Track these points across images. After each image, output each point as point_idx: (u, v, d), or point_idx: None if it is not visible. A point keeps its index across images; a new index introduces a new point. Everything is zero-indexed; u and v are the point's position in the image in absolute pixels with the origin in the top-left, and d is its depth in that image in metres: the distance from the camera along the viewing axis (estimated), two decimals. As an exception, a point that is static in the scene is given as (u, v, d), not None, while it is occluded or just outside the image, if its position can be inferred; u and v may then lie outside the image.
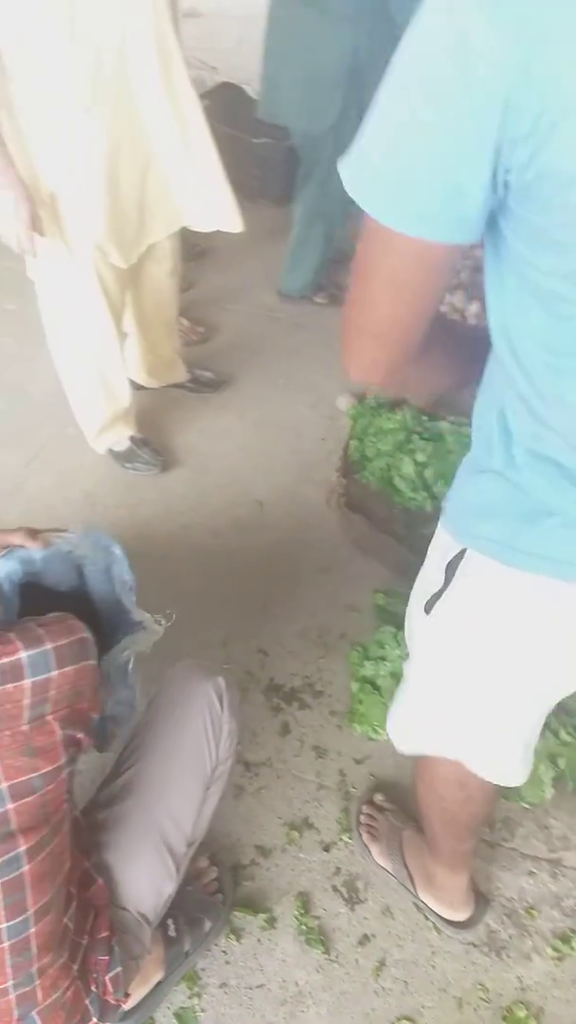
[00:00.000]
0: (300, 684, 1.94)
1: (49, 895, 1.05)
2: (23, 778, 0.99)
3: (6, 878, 1.01)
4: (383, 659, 1.82)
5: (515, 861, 1.67)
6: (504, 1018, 1.46)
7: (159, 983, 1.41)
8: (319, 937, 1.54)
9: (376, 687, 1.82)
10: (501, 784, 1.25)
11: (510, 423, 0.88)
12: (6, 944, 1.03)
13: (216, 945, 1.52)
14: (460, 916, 1.56)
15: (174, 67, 1.90)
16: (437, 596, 1.06)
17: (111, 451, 2.48)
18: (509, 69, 0.58)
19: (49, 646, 1.00)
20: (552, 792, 1.69)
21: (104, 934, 1.18)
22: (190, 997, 1.46)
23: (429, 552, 1.09)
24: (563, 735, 1.68)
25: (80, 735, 1.04)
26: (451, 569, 1.01)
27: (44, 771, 1.01)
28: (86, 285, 2.07)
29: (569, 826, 1.72)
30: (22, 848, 1.01)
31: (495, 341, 0.84)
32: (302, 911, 1.57)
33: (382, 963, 1.52)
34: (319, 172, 2.82)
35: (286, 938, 1.54)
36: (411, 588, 1.93)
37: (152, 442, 2.51)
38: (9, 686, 0.97)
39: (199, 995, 1.47)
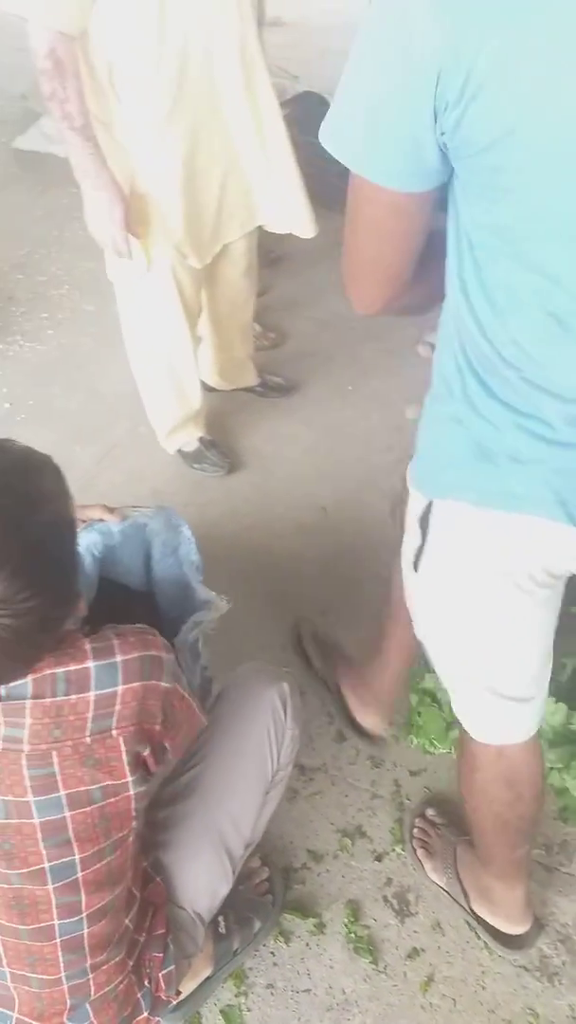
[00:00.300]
0: (358, 692, 1.94)
1: (106, 900, 1.07)
2: (82, 788, 1.00)
3: (61, 882, 1.03)
4: (444, 672, 1.80)
5: (572, 886, 1.63)
6: (554, 1046, 1.43)
7: (207, 979, 1.42)
8: (368, 947, 1.53)
9: (435, 700, 1.80)
10: (508, 742, 1.25)
11: (463, 366, 0.96)
12: (58, 941, 1.05)
13: (264, 946, 1.52)
14: (517, 929, 1.52)
15: (256, 73, 1.93)
16: (420, 552, 1.13)
17: (180, 451, 2.52)
18: (442, 50, 0.72)
19: (119, 659, 1.00)
20: (613, 819, 1.65)
21: (160, 931, 1.20)
22: (236, 995, 1.47)
23: (407, 517, 1.16)
24: (627, 761, 1.64)
25: (147, 753, 1.03)
26: (424, 523, 1.10)
27: (105, 784, 1.01)
28: (163, 287, 2.12)
29: (629, 855, 1.67)
30: (76, 856, 1.02)
31: (449, 286, 0.95)
32: (352, 919, 1.56)
33: (430, 978, 1.50)
34: None
35: (334, 945, 1.54)
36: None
37: (220, 444, 2.55)
38: (73, 697, 0.98)
39: (246, 994, 1.47)
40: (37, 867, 1.01)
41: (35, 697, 0.97)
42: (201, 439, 2.50)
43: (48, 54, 1.70)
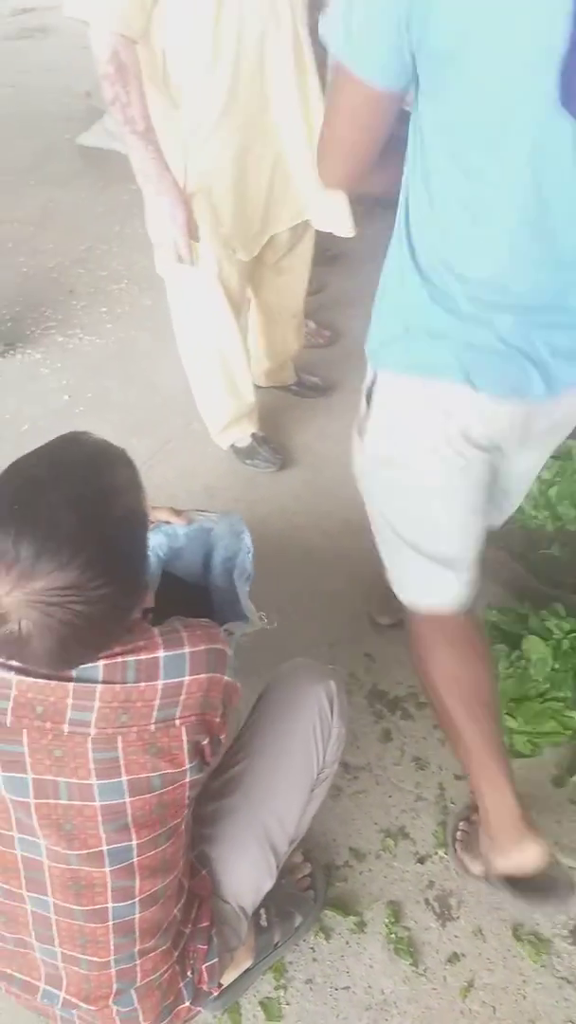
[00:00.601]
0: (405, 693, 1.93)
1: (159, 886, 1.09)
2: (144, 775, 1.02)
3: (117, 866, 1.05)
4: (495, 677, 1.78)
5: (617, 900, 1.60)
6: (595, 1061, 1.41)
7: (247, 969, 1.43)
8: (408, 948, 1.52)
9: (483, 704, 1.78)
10: (437, 604, 1.43)
11: (405, 252, 1.17)
12: (111, 923, 1.07)
13: (305, 941, 1.53)
14: (526, 860, 1.41)
15: (307, 69, 1.95)
16: (364, 418, 1.34)
17: (233, 447, 2.54)
18: None
19: (187, 650, 1.03)
20: None
21: (205, 924, 1.22)
22: (276, 988, 1.48)
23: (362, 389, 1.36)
24: None
25: (205, 743, 1.05)
26: (369, 393, 1.33)
27: (165, 772, 1.03)
28: (208, 280, 2.13)
29: None
30: (134, 842, 1.04)
31: (404, 181, 1.15)
32: (392, 920, 1.56)
33: (471, 984, 1.49)
34: None
35: (375, 944, 1.54)
36: (526, 608, 1.89)
37: (272, 441, 2.56)
38: (142, 684, 1.00)
39: (285, 987, 1.48)
40: (96, 849, 1.03)
41: (105, 682, 0.99)
42: (254, 435, 2.52)
43: (110, 58, 1.72)
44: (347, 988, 1.49)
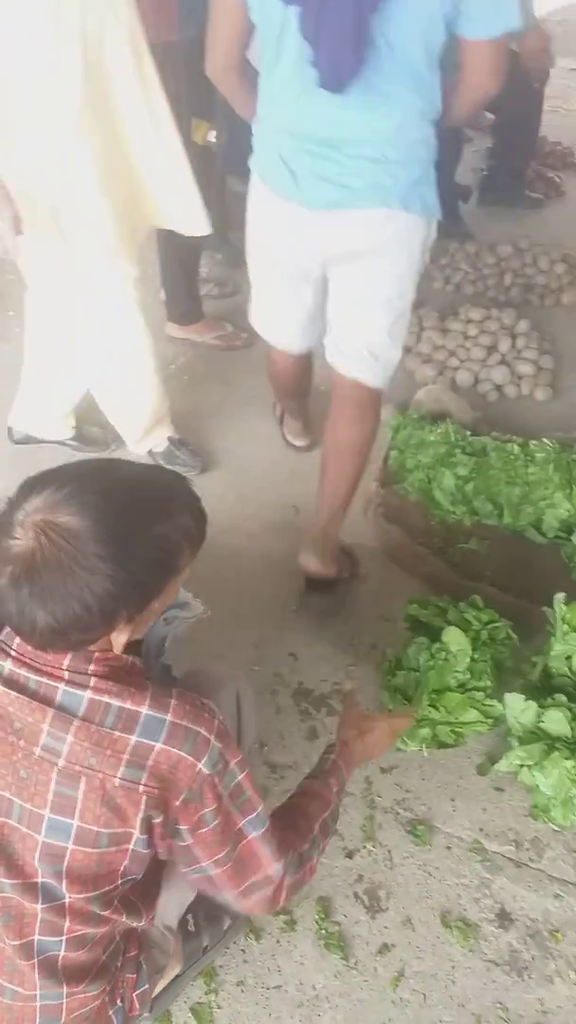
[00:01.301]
0: (330, 690, 1.94)
1: (88, 931, 1.07)
2: (94, 828, 1.00)
3: (49, 904, 1.03)
4: (415, 670, 1.81)
5: (542, 882, 1.64)
6: (523, 1040, 1.44)
7: (176, 976, 1.41)
8: (338, 943, 1.53)
9: (407, 698, 1.81)
10: (279, 347, 2.19)
11: (263, 101, 1.76)
12: (36, 960, 1.05)
13: (235, 943, 1.51)
14: (300, 441, 2.53)
15: (148, 75, 1.97)
16: (247, 223, 1.94)
17: (151, 452, 2.50)
18: None
19: (168, 718, 1.00)
20: (582, 815, 1.66)
21: (133, 953, 1.20)
22: (207, 993, 1.46)
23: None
24: (595, 757, 1.65)
25: (158, 821, 1.01)
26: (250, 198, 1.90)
27: (115, 830, 1.00)
28: (112, 291, 2.13)
29: (598, 851, 1.69)
30: (64, 891, 1.03)
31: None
32: (322, 916, 1.56)
33: (401, 974, 1.50)
34: None
35: (305, 941, 1.53)
36: (446, 601, 1.93)
37: (190, 443, 2.54)
38: (116, 733, 0.99)
39: (216, 991, 1.46)
40: (31, 880, 1.02)
41: (84, 719, 0.98)
42: (170, 438, 2.49)
43: None
44: (279, 987, 1.48)
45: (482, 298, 3.26)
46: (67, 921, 1.04)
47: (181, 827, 1.04)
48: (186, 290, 2.81)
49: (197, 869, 1.09)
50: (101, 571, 0.92)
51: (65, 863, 1.01)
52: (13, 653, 1.02)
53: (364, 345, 1.90)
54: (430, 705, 1.75)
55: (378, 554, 2.30)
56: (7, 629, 1.03)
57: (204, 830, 1.04)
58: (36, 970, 1.05)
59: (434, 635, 1.86)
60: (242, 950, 1.51)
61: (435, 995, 1.48)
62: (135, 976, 1.20)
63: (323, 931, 1.54)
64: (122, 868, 1.04)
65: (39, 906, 1.02)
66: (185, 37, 2.38)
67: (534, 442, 2.40)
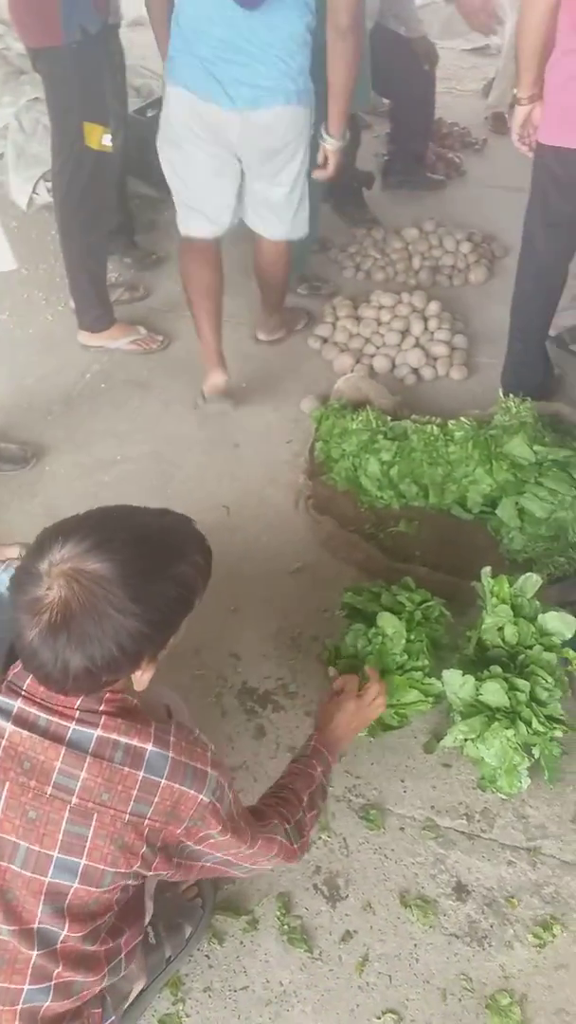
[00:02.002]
0: (274, 686, 1.94)
1: (77, 980, 1.10)
2: (100, 866, 1.04)
3: (44, 949, 1.06)
4: (354, 657, 1.83)
5: (494, 852, 1.68)
6: (487, 1007, 1.47)
7: (142, 991, 1.39)
8: (301, 936, 1.54)
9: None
10: (196, 236, 2.51)
11: (177, 26, 2.19)
12: (18, 1008, 1.07)
13: (199, 950, 1.51)
14: (216, 380, 2.66)
15: None
16: (164, 124, 2.38)
17: None
18: None
19: (170, 754, 1.06)
20: (528, 782, 1.70)
21: (98, 988, 1.19)
22: (174, 1003, 1.46)
23: None
24: (535, 724, 1.69)
25: (157, 860, 1.07)
26: (165, 102, 2.34)
27: (118, 870, 1.05)
28: None
29: (546, 815, 1.74)
30: (63, 928, 1.06)
31: None
32: (283, 911, 1.57)
33: (365, 958, 1.52)
34: None
35: (268, 939, 1.54)
36: (379, 586, 1.95)
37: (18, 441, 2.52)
38: (126, 769, 1.03)
39: (183, 1000, 1.46)
40: (28, 927, 1.04)
41: (95, 755, 1.03)
42: None
43: None
44: (246, 988, 1.48)
45: (393, 283, 3.30)
46: (59, 966, 1.07)
47: (187, 843, 1.10)
48: (95, 296, 2.77)
49: (211, 858, 1.16)
50: (133, 612, 0.98)
51: (67, 901, 1.05)
52: (23, 693, 1.06)
53: (276, 211, 2.49)
54: (372, 690, 1.77)
55: (312, 546, 2.31)
56: (16, 670, 1.07)
57: (213, 841, 1.12)
58: (17, 1017, 1.08)
59: (371, 621, 1.88)
60: (206, 956, 1.51)
61: (400, 975, 1.51)
62: (100, 1011, 1.20)
63: (285, 926, 1.55)
64: (115, 901, 1.11)
65: (34, 952, 1.05)
66: (69, 41, 2.33)
67: (452, 421, 2.44)
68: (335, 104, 2.33)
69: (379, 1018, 1.46)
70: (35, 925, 1.04)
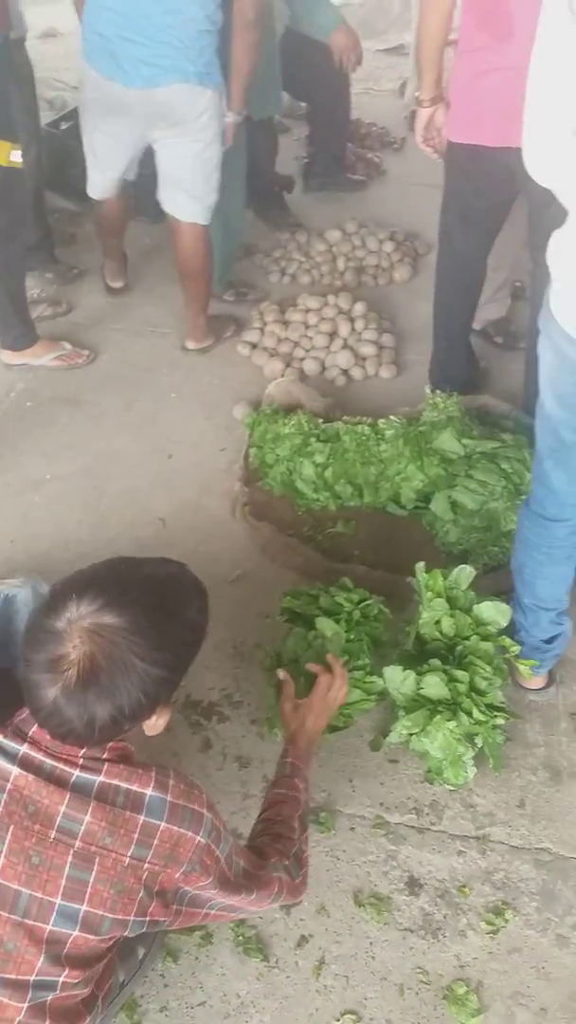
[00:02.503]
0: (218, 697, 1.94)
1: None
2: (99, 912, 1.06)
3: (35, 1002, 1.06)
4: (295, 661, 1.83)
5: (444, 843, 1.70)
6: (445, 997, 1.49)
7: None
8: (257, 946, 1.53)
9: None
10: (113, 196, 2.86)
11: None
12: None
13: (153, 970, 1.49)
14: (116, 283, 3.20)
15: None
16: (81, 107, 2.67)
17: None
18: None
19: (168, 798, 1.09)
20: (474, 771, 1.73)
21: None
22: (131, 1028, 1.44)
23: None
24: (476, 714, 1.72)
25: (153, 906, 1.08)
26: (81, 86, 2.63)
27: (116, 917, 1.07)
28: None
29: (493, 802, 1.76)
30: (61, 979, 1.06)
31: None
32: (238, 922, 1.56)
33: (321, 962, 1.53)
34: None
35: (223, 952, 1.53)
36: (317, 588, 1.95)
37: None
38: (127, 813, 1.07)
39: (139, 1022, 1.44)
40: (24, 978, 1.04)
41: (98, 799, 1.06)
42: None
43: None
44: (203, 1003, 1.47)
45: (319, 285, 3.31)
46: (46, 1020, 1.08)
47: (186, 888, 1.12)
48: (15, 314, 2.72)
49: (215, 904, 1.18)
50: (155, 660, 1.03)
51: (66, 949, 1.06)
52: (29, 738, 1.08)
53: (184, 190, 2.60)
54: (315, 694, 1.77)
55: (251, 552, 2.31)
56: (22, 716, 1.10)
57: (213, 891, 1.14)
58: None
59: (311, 624, 1.89)
60: (161, 975, 1.50)
61: (357, 975, 1.52)
62: None
63: (240, 937, 1.54)
64: (107, 950, 1.13)
65: (24, 1005, 1.06)
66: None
67: (383, 420, 2.46)
68: (235, 84, 2.53)
69: (338, 1020, 1.46)
70: (32, 977, 1.05)
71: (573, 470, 1.54)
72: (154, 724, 1.14)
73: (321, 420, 2.55)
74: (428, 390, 2.60)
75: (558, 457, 1.54)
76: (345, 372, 2.88)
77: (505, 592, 1.92)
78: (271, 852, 1.30)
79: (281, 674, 1.72)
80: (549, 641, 1.82)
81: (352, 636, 1.84)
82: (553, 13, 1.14)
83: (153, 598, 1.08)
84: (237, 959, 1.52)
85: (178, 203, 2.63)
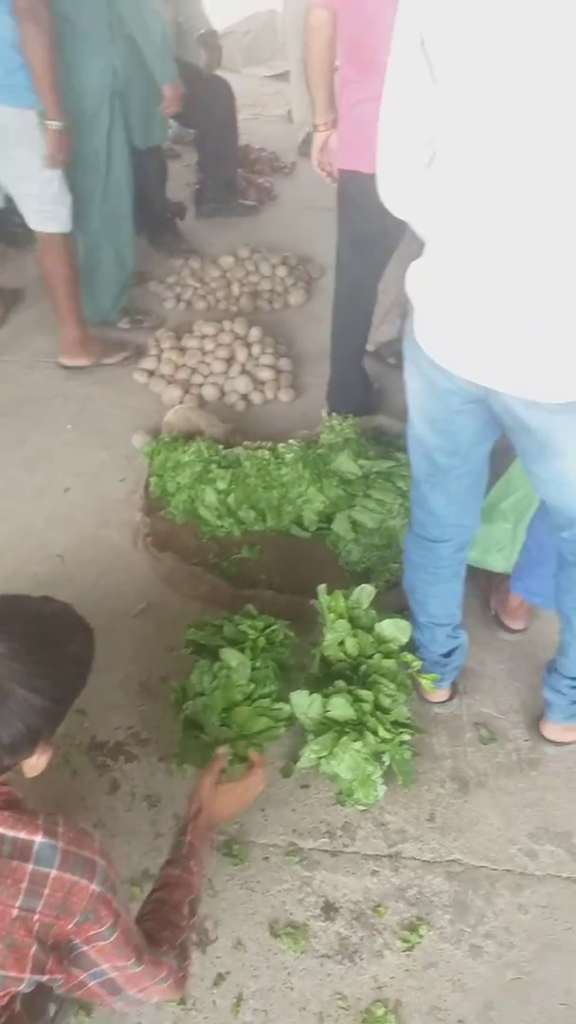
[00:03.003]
0: (125, 736, 1.90)
1: None
2: None
3: None
4: (201, 694, 1.81)
5: (358, 864, 1.71)
6: (364, 1021, 1.49)
7: None
8: (172, 990, 1.50)
9: (198, 724, 1.81)
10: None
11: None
12: None
13: (65, 1026, 1.45)
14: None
15: None
16: None
17: None
18: None
19: (60, 845, 1.05)
20: (384, 789, 1.75)
21: None
22: None
23: None
24: (382, 732, 1.74)
25: (50, 962, 1.04)
26: None
27: (6, 974, 1.01)
28: None
29: (404, 819, 1.78)
30: None
31: None
32: (152, 968, 1.53)
33: (240, 998, 1.51)
34: (94, 193, 2.82)
35: (138, 1001, 1.49)
36: (221, 618, 1.94)
37: None
38: (14, 862, 1.02)
39: None
40: None
41: None
42: None
43: None
44: (119, 1057, 1.43)
45: (215, 311, 3.33)
46: None
47: (75, 941, 1.08)
48: None
49: (96, 974, 1.12)
50: (36, 687, 1.04)
51: None
52: None
53: (28, 203, 2.68)
54: (222, 725, 1.76)
55: (155, 584, 2.28)
56: None
57: (102, 943, 1.09)
58: None
59: (215, 655, 1.88)
60: (74, 1031, 1.45)
61: (276, 1007, 1.50)
62: None
63: (156, 983, 1.51)
64: (5, 1004, 1.09)
65: None
66: None
67: (282, 444, 2.48)
68: (39, 87, 2.43)
69: (259, 1057, 1.45)
70: None
71: (450, 492, 1.59)
72: (35, 763, 1.12)
73: (221, 446, 2.55)
74: (325, 413, 2.64)
75: (434, 481, 1.59)
76: (244, 397, 2.90)
77: (407, 608, 1.96)
78: (160, 939, 1.24)
79: (221, 750, 1.65)
80: (448, 655, 1.87)
81: (258, 664, 1.83)
82: (403, 46, 1.17)
83: (34, 629, 1.11)
84: (153, 1006, 1.48)
85: (28, 214, 2.72)
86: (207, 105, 3.69)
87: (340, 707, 1.76)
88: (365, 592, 1.91)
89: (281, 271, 3.47)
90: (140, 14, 2.66)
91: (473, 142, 1.13)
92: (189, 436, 2.61)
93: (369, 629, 1.88)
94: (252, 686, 1.81)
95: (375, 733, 1.75)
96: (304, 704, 1.78)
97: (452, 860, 1.71)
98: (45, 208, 2.67)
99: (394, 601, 2.09)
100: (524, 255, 1.16)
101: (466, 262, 1.23)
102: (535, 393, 1.27)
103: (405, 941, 1.60)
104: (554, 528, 1.58)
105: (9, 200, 2.74)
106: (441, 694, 1.95)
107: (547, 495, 1.50)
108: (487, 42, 1.03)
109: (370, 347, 2.93)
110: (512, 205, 1.13)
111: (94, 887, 1.06)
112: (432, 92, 1.16)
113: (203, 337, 3.05)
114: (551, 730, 1.86)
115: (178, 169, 4.12)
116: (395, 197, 1.34)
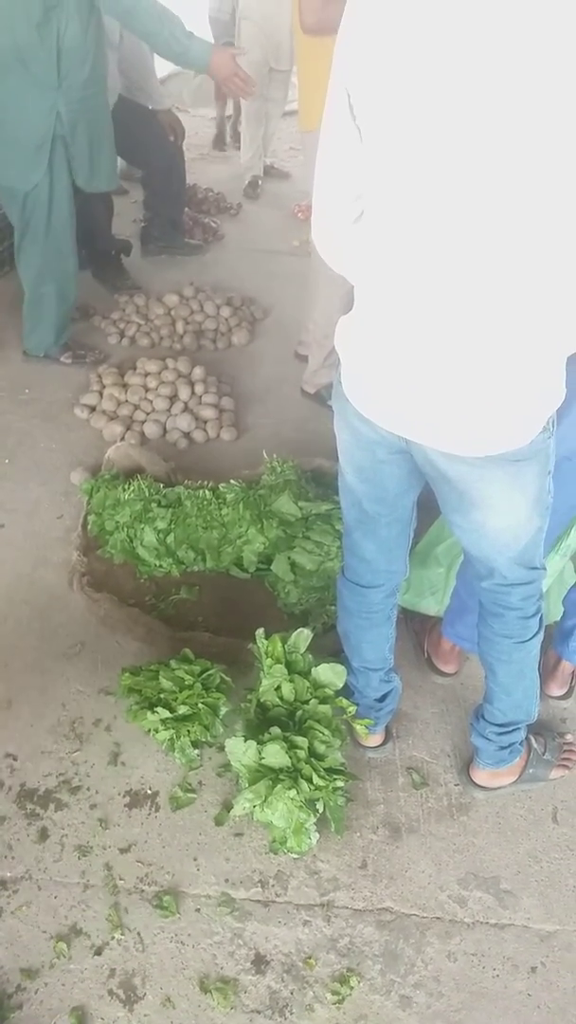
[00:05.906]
0: (55, 784, 1.85)
1: None
2: None
3: None
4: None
5: (289, 914, 1.69)
6: (293, 1077, 1.48)
7: None
8: (97, 1052, 1.46)
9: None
10: None
11: None
12: None
13: None
14: None
15: None
16: None
17: None
18: None
19: None
20: (317, 837, 1.74)
21: None
22: None
23: None
24: (316, 779, 1.74)
25: None
26: None
27: None
28: None
29: (337, 866, 1.78)
30: None
31: None
32: (77, 1031, 1.49)
33: (167, 1059, 1.48)
34: (37, 230, 2.80)
35: (61, 1065, 1.45)
36: (155, 664, 1.93)
37: None
38: None
39: None
40: None
41: None
42: None
43: None
44: None
45: (159, 348, 3.34)
46: None
47: None
48: None
49: None
50: None
51: None
52: None
53: None
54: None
55: (91, 625, 2.25)
56: None
57: None
58: None
59: (154, 700, 1.86)
60: None
61: (204, 1067, 1.48)
62: None
63: (80, 1045, 1.47)
64: None
65: None
66: None
67: (224, 484, 2.49)
68: None
69: None
70: None
71: (380, 539, 1.62)
72: None
73: (162, 485, 2.55)
74: (266, 454, 2.66)
75: (364, 528, 1.62)
76: (186, 435, 2.90)
77: (343, 651, 1.97)
78: None
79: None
80: (381, 699, 1.89)
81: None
82: (333, 104, 1.22)
83: None
84: (76, 1070, 1.44)
85: None
86: (154, 144, 3.73)
87: (275, 754, 1.75)
88: (303, 636, 1.92)
89: (225, 311, 3.51)
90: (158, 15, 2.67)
91: (394, 200, 1.18)
92: (130, 474, 2.60)
93: (306, 674, 1.88)
94: (187, 732, 1.79)
95: (309, 780, 1.74)
96: (239, 751, 1.77)
97: (383, 908, 1.71)
98: None
99: (331, 644, 2.10)
100: (442, 312, 1.20)
101: (388, 317, 1.28)
102: (453, 447, 1.31)
103: (335, 994, 1.58)
104: (475, 578, 1.62)
105: None
106: (375, 739, 1.96)
107: (467, 544, 1.55)
108: (406, 102, 1.08)
109: (310, 389, 2.98)
110: (430, 263, 1.17)
111: None
112: (359, 150, 1.21)
113: (146, 374, 3.05)
114: (480, 776, 1.88)
115: (125, 205, 4.14)
116: (327, 250, 1.38)
